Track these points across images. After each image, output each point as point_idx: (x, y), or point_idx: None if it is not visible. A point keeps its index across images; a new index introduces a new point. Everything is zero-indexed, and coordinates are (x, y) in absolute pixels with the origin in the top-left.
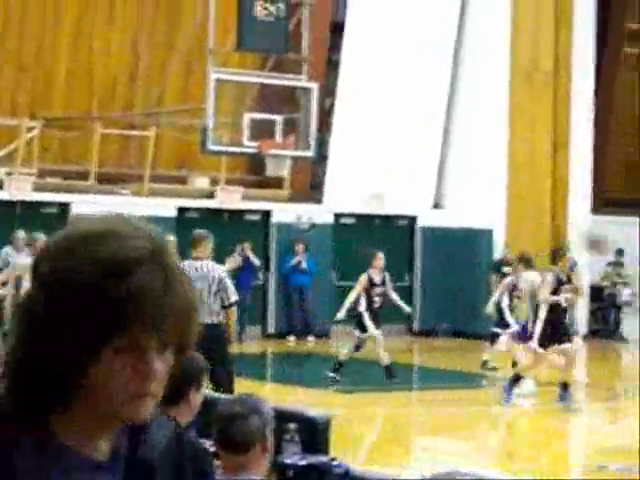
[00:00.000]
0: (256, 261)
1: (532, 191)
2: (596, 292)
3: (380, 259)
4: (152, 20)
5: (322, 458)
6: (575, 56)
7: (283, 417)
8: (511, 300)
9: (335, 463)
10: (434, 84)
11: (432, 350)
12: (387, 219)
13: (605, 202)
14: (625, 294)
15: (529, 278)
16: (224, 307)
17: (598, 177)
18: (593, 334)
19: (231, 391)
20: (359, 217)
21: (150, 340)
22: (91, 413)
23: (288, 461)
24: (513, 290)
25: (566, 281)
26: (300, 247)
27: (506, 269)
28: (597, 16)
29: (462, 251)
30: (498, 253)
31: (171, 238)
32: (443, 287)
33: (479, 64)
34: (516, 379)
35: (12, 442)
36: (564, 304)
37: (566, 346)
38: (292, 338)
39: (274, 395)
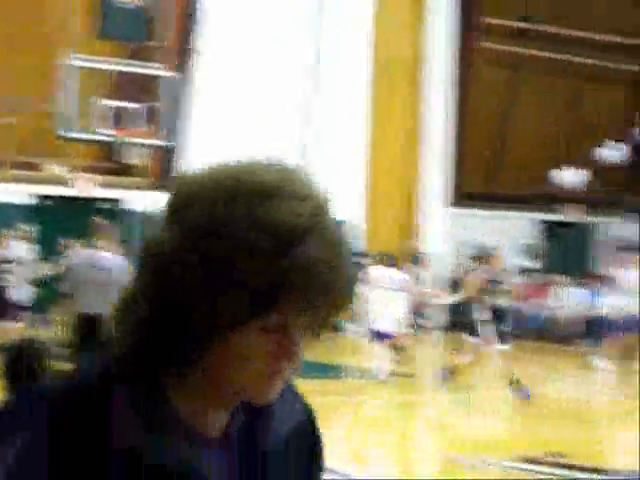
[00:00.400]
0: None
1: (389, 184)
2: (455, 285)
3: None
4: (9, 3)
5: None
6: (433, 50)
7: None
8: None
9: None
10: (294, 73)
11: None
12: None
13: (462, 196)
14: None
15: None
16: None
17: (455, 171)
18: (451, 327)
19: None
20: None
21: (303, 318)
22: (210, 386)
23: None
24: None
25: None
26: None
27: (362, 261)
28: (456, 10)
29: None
30: (354, 245)
31: (26, 227)
32: None
33: (339, 54)
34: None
35: (125, 404)
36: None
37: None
38: None
39: None
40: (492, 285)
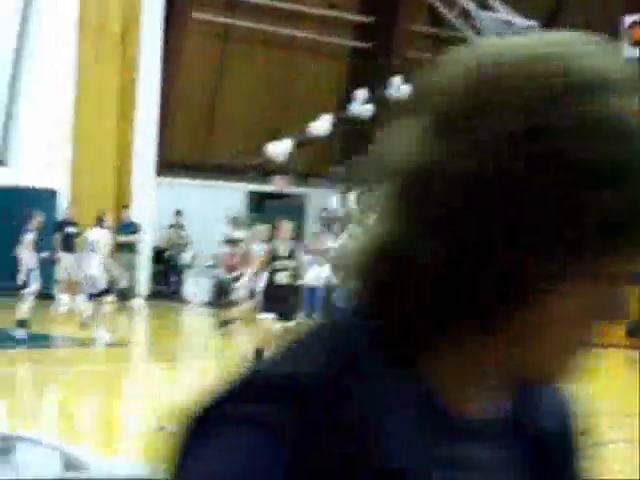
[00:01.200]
0: None
1: (97, 151)
2: (158, 254)
3: None
4: None
5: None
6: (144, 18)
7: None
8: None
9: None
10: (1, 37)
11: None
12: None
13: (168, 165)
14: (184, 256)
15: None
16: None
17: (162, 141)
18: (155, 295)
19: None
20: None
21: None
22: (487, 364)
23: None
24: None
25: None
26: None
27: (70, 229)
28: None
29: (25, 211)
30: (62, 213)
31: None
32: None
33: (47, 22)
34: None
35: (378, 379)
36: None
37: None
38: None
39: None
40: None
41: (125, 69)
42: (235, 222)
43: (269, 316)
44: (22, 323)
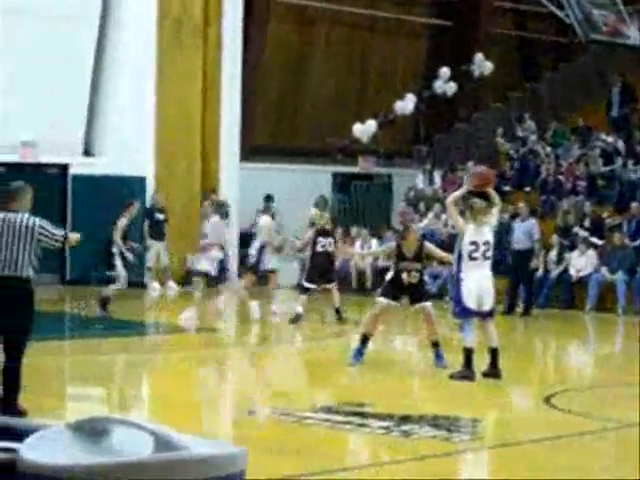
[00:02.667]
0: None
1: (183, 139)
2: (247, 238)
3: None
4: None
5: None
6: (225, 6)
7: None
8: None
9: None
10: (82, 30)
11: (85, 299)
12: (38, 168)
13: (254, 150)
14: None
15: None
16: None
17: (246, 126)
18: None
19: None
20: (9, 166)
21: None
22: None
23: None
24: None
25: None
26: None
27: (158, 216)
28: None
29: (114, 198)
30: (150, 200)
31: None
32: (97, 236)
33: (128, 10)
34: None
35: None
36: None
37: None
38: None
39: None
40: None
41: (207, 55)
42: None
43: (385, 301)
44: (104, 302)
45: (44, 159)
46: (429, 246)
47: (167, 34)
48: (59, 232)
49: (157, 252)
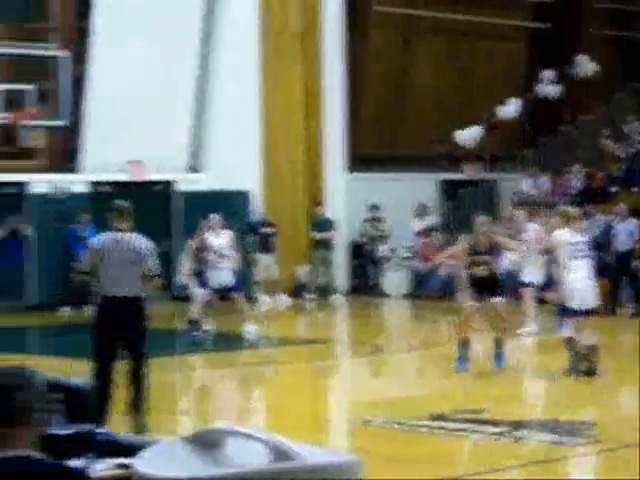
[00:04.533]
0: (27, 234)
1: (287, 152)
2: (356, 249)
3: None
4: None
5: (86, 426)
6: (325, 16)
7: (47, 387)
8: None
9: (99, 431)
10: (185, 47)
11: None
12: (144, 185)
13: (359, 160)
14: (382, 249)
15: None
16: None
17: (351, 136)
18: (354, 290)
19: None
20: (115, 184)
21: None
22: None
23: (52, 431)
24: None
25: None
26: (85, 217)
27: (266, 229)
28: None
29: (220, 214)
30: (255, 214)
31: None
32: None
33: (229, 28)
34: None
35: None
36: None
37: None
38: (67, 309)
39: (36, 366)
40: None
41: (309, 67)
42: (421, 212)
43: (472, 304)
44: (193, 323)
45: (150, 177)
46: (499, 238)
47: (269, 47)
48: (157, 266)
49: (266, 265)
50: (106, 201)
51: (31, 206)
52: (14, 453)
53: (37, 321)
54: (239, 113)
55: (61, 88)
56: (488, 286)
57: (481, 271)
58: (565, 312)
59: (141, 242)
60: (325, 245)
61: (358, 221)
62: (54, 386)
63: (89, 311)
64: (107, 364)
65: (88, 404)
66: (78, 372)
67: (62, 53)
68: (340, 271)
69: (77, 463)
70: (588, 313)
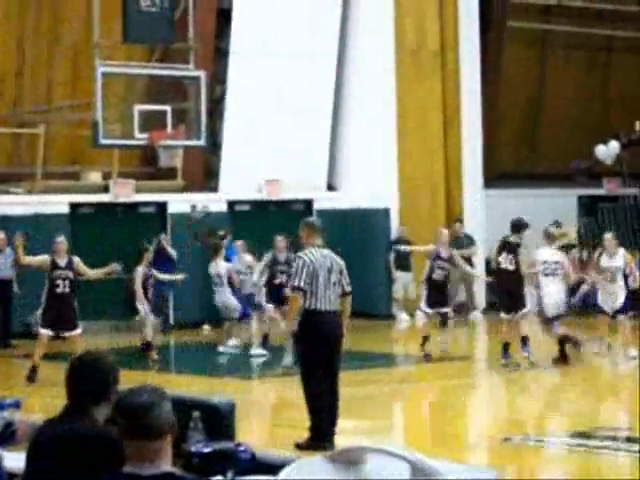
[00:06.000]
0: (173, 253)
1: (425, 169)
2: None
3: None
4: (36, 14)
5: (227, 444)
6: (461, 33)
7: (186, 405)
8: None
9: (241, 448)
10: (322, 67)
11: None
12: (282, 204)
13: (497, 176)
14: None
15: None
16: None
17: (489, 152)
18: (493, 307)
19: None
20: (254, 203)
21: None
22: None
23: (193, 449)
24: None
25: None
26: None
27: (404, 247)
28: None
29: (359, 231)
30: (394, 232)
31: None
32: None
33: (365, 45)
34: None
35: None
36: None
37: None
38: (207, 327)
39: (176, 385)
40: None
41: (446, 83)
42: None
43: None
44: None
45: (288, 195)
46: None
47: (405, 65)
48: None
49: (404, 283)
50: (244, 220)
51: (170, 225)
52: (160, 470)
53: (178, 339)
54: (376, 131)
55: (199, 108)
56: None
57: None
58: None
59: (337, 258)
60: (465, 262)
61: (496, 238)
62: (194, 404)
63: (229, 328)
64: (322, 379)
65: (227, 422)
66: (219, 390)
67: (200, 73)
68: (479, 288)
69: None
70: None
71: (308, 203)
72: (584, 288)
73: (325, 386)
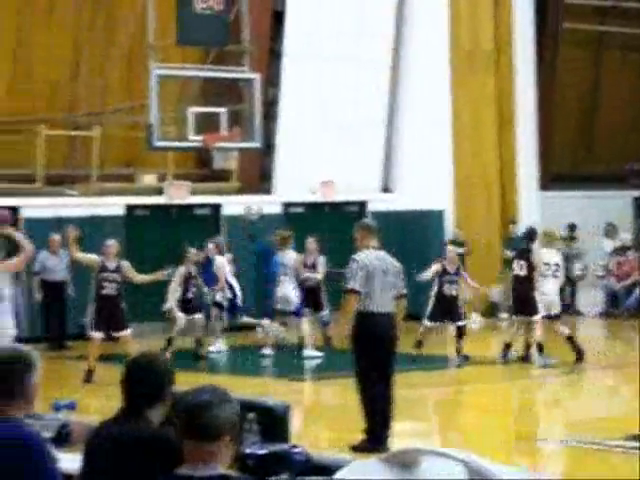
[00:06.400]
0: (227, 255)
1: (480, 170)
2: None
3: (310, 243)
4: (91, 17)
5: (282, 446)
6: (515, 34)
7: (241, 407)
8: None
9: (296, 450)
10: (376, 68)
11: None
12: (337, 206)
13: (553, 178)
14: (577, 268)
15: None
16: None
17: (544, 154)
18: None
19: None
20: (308, 205)
21: None
22: None
23: (248, 451)
24: None
25: None
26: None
27: (459, 249)
28: None
29: (414, 233)
30: (449, 234)
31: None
32: None
33: (420, 48)
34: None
35: None
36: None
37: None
38: (260, 329)
39: (230, 386)
40: None
41: (500, 84)
42: (610, 231)
43: None
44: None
45: (342, 197)
46: None
47: (459, 65)
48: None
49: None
50: (298, 222)
51: (225, 227)
52: (216, 472)
53: (231, 341)
54: (430, 132)
55: (253, 110)
56: None
57: None
58: None
59: (393, 260)
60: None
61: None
62: (249, 406)
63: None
64: (376, 381)
65: (282, 424)
66: (272, 392)
67: (254, 76)
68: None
69: None
70: None
71: (362, 205)
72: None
73: (380, 388)
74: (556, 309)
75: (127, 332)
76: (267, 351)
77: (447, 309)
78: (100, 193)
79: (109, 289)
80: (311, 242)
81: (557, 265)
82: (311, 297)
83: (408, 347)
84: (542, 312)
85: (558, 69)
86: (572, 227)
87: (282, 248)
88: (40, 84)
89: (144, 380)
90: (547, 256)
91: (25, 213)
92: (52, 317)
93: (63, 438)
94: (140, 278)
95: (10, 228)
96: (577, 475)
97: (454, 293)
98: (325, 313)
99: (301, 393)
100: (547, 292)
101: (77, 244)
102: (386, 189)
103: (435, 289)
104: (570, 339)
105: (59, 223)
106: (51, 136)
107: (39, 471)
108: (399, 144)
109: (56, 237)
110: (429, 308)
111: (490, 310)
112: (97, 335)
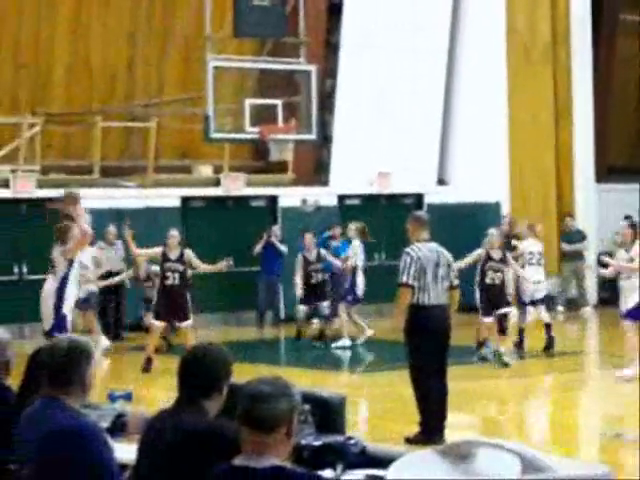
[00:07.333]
0: (282, 247)
1: (536, 162)
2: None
3: (308, 239)
4: (148, 9)
5: (338, 437)
6: (573, 26)
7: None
8: None
9: (351, 442)
10: (432, 60)
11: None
12: (393, 198)
13: (609, 170)
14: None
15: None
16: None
17: (601, 146)
18: (603, 303)
19: None
20: (364, 197)
21: None
22: None
23: (303, 442)
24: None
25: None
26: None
27: (515, 241)
28: None
29: (470, 226)
30: (506, 226)
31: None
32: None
33: (476, 39)
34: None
35: None
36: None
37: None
38: (316, 320)
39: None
40: None
41: (557, 75)
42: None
43: None
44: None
45: (399, 189)
46: None
47: (516, 56)
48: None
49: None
50: (354, 214)
51: (281, 219)
52: (270, 463)
53: (288, 333)
54: (486, 124)
55: (310, 102)
56: None
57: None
58: None
59: (444, 252)
60: (576, 257)
61: (607, 233)
62: (304, 397)
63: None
64: (431, 374)
65: (338, 415)
66: (329, 384)
67: (311, 67)
68: (590, 283)
69: (328, 474)
70: None
71: (419, 197)
72: None
73: (434, 381)
74: (540, 294)
75: (188, 322)
76: (345, 342)
77: (494, 300)
78: (156, 185)
79: (172, 279)
80: (308, 238)
81: (540, 254)
82: (318, 290)
83: (462, 339)
84: (528, 298)
85: (615, 61)
86: (628, 218)
87: (363, 240)
88: (97, 76)
89: (200, 371)
90: (531, 246)
91: (81, 204)
92: (108, 308)
93: (119, 428)
94: (204, 267)
95: (78, 207)
96: None
97: (497, 282)
98: (325, 305)
99: (357, 385)
100: (533, 279)
101: (134, 240)
102: (441, 181)
103: (477, 279)
104: (548, 326)
105: (115, 214)
106: (108, 127)
107: (95, 460)
108: (455, 136)
109: (112, 229)
110: (478, 303)
111: (547, 303)
112: (158, 324)
